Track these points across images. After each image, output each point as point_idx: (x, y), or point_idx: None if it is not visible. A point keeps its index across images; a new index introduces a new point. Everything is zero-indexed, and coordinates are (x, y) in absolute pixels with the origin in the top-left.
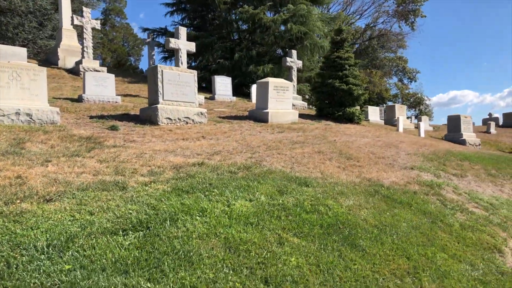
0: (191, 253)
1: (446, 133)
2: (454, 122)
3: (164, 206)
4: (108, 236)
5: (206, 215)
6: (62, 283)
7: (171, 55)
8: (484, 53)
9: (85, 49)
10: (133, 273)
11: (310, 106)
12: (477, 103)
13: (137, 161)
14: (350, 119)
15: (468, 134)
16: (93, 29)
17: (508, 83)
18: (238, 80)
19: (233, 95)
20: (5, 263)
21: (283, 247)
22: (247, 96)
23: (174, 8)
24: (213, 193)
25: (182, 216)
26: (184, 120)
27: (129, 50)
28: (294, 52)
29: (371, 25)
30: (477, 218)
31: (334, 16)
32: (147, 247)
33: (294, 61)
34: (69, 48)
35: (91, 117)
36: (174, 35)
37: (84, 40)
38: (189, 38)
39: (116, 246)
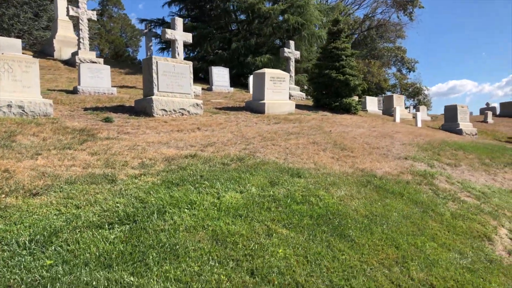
0: (177, 246)
1: (443, 123)
2: (451, 112)
3: (152, 199)
4: (93, 230)
5: (194, 208)
6: (42, 278)
7: (168, 46)
8: (483, 43)
9: (81, 40)
10: (116, 267)
11: (308, 97)
12: (475, 93)
13: (129, 154)
14: (347, 109)
15: (464, 123)
16: (89, 20)
17: (506, 73)
18: (236, 71)
19: (231, 86)
20: None
21: (271, 239)
22: (245, 86)
23: None
24: (204, 185)
25: (170, 209)
26: (179, 112)
27: (127, 41)
28: (291, 42)
29: (370, 15)
30: (469, 207)
31: (332, 6)
32: (132, 240)
33: (291, 52)
34: (64, 39)
35: (86, 109)
36: (171, 26)
37: (80, 31)
38: (187, 29)
39: (101, 240)
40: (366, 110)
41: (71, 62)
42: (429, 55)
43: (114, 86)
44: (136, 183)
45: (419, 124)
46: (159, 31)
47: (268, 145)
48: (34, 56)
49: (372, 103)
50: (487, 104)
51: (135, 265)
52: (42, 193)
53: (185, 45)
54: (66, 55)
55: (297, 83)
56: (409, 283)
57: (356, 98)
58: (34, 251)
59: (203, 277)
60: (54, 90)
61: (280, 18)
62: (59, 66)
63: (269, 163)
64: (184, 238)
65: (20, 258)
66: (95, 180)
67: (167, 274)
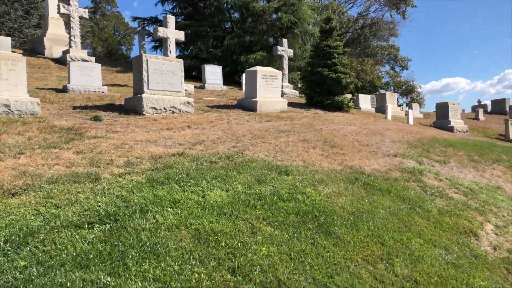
0: (158, 246)
1: (435, 120)
2: (442, 109)
3: (135, 197)
4: (72, 230)
5: (178, 206)
6: (15, 280)
7: (161, 44)
8: (475, 42)
9: (72, 38)
10: (93, 267)
11: (302, 95)
12: (468, 90)
13: (115, 152)
14: (339, 107)
15: (456, 120)
16: (81, 17)
17: (498, 71)
18: (229, 69)
19: (224, 83)
20: None
21: (255, 237)
22: (238, 85)
23: None
24: (189, 184)
25: (153, 208)
26: (170, 110)
27: (120, 39)
28: (285, 41)
29: (363, 13)
30: (456, 203)
31: (325, 4)
32: (112, 240)
33: (285, 50)
34: (55, 37)
35: (75, 108)
36: (163, 23)
37: (71, 29)
38: (180, 27)
39: (79, 240)
40: (359, 108)
41: (62, 61)
42: (423, 53)
43: (105, 85)
44: (120, 182)
45: (411, 122)
46: (152, 29)
47: (258, 143)
48: (24, 55)
49: (365, 101)
50: (479, 101)
51: (113, 265)
52: (21, 193)
53: (179, 43)
54: (57, 53)
55: (290, 81)
56: (393, 280)
57: (348, 96)
58: (8, 252)
59: (182, 276)
60: (43, 88)
61: (274, 16)
62: (50, 65)
63: (258, 161)
64: (166, 237)
65: None
66: (78, 179)
67: (146, 274)
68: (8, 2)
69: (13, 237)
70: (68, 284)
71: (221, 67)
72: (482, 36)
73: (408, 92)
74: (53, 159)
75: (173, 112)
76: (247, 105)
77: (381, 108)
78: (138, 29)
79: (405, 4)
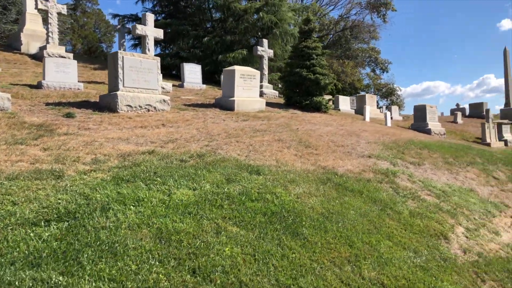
0: (116, 244)
1: (412, 123)
2: (420, 112)
3: (98, 195)
4: (27, 227)
5: (141, 205)
6: None
7: (141, 42)
8: (455, 46)
9: (50, 34)
10: (45, 266)
11: (281, 95)
12: (448, 94)
13: (84, 149)
14: (317, 108)
15: (433, 123)
16: (59, 14)
17: (477, 76)
18: (210, 68)
19: (205, 83)
20: None
21: (219, 237)
22: (218, 84)
23: None
24: (155, 182)
25: (115, 206)
26: (145, 108)
27: (100, 36)
28: (265, 41)
29: (344, 16)
30: (428, 206)
31: (306, 6)
32: (68, 238)
33: (265, 50)
34: (33, 33)
35: (48, 104)
36: (142, 21)
37: (49, 25)
38: (160, 26)
39: (33, 238)
40: (339, 109)
41: (38, 56)
42: (404, 56)
43: (82, 82)
44: (84, 179)
45: (389, 124)
46: (132, 27)
47: (232, 142)
48: (0, 50)
49: (345, 103)
50: (457, 105)
51: (66, 264)
52: None
53: (159, 42)
54: (34, 49)
55: (270, 81)
56: (359, 282)
57: (327, 97)
58: None
59: (140, 276)
60: (17, 84)
61: (255, 16)
62: (26, 60)
63: (230, 160)
64: (126, 236)
65: None
66: (40, 176)
67: (101, 273)
68: None
69: None
70: (17, 283)
71: (200, 66)
72: (462, 40)
73: (388, 95)
74: (18, 156)
75: (148, 110)
76: (225, 104)
77: (360, 109)
78: (118, 26)
79: (385, 8)
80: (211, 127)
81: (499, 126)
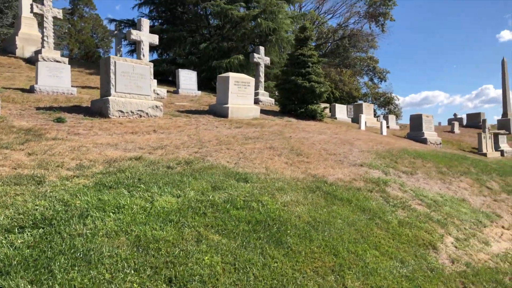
0: (91, 252)
1: (408, 132)
2: (416, 121)
3: (77, 201)
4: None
5: (121, 212)
6: None
7: None
8: (454, 56)
9: (45, 38)
10: (14, 274)
11: (277, 103)
12: (447, 104)
13: (70, 155)
14: (312, 116)
15: (429, 133)
16: (55, 18)
17: (475, 86)
18: (206, 74)
19: (200, 89)
20: None
21: (200, 245)
22: (214, 90)
23: (142, 0)
24: (139, 189)
25: (94, 213)
26: (137, 113)
27: (98, 41)
28: (261, 48)
29: (343, 24)
30: (418, 215)
31: (303, 13)
32: (41, 245)
33: (261, 58)
34: (28, 37)
35: (38, 109)
36: (137, 26)
37: (44, 29)
38: (157, 31)
39: (5, 245)
40: (335, 118)
41: (33, 61)
42: (403, 66)
43: (77, 86)
44: (65, 185)
45: (384, 132)
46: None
47: (222, 149)
48: None
49: (341, 111)
50: (455, 115)
51: (37, 272)
52: None
53: (156, 48)
54: (29, 53)
55: (266, 89)
56: None
57: (322, 105)
58: None
59: (113, 286)
60: (9, 88)
61: (253, 23)
62: (20, 64)
63: (218, 167)
64: (102, 243)
65: None
66: (20, 181)
67: (72, 282)
68: None
69: None
70: None
71: (196, 72)
72: (461, 51)
73: (386, 104)
74: (0, 160)
75: (140, 116)
76: (219, 111)
77: (357, 118)
78: (115, 32)
79: (384, 18)
80: (202, 134)
81: (496, 136)
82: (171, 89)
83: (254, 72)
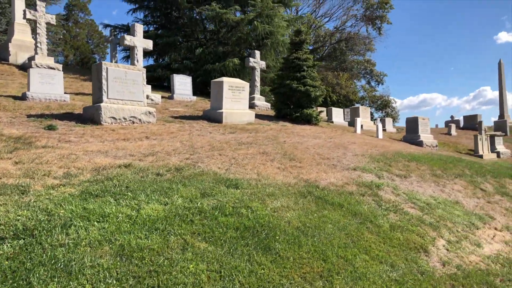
0: (73, 263)
1: (405, 135)
2: (412, 124)
3: (61, 211)
4: None
5: (106, 221)
6: None
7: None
8: (452, 58)
9: (38, 44)
10: None
11: (273, 107)
12: (445, 106)
13: (58, 163)
14: (308, 120)
15: (425, 135)
16: (48, 23)
17: (473, 88)
18: (201, 79)
19: (196, 94)
20: None
21: (185, 253)
22: (210, 95)
23: (137, 5)
24: (125, 197)
25: (78, 222)
26: (130, 120)
27: (93, 47)
28: (257, 52)
29: (340, 28)
30: (410, 218)
31: (300, 16)
32: (21, 257)
33: (257, 62)
34: (22, 43)
35: (30, 116)
36: (130, 32)
37: (37, 35)
38: (152, 37)
39: None
40: (332, 122)
41: (26, 67)
42: (400, 69)
43: (70, 93)
44: (50, 194)
45: (380, 136)
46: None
47: (214, 155)
48: None
49: (338, 115)
50: (452, 117)
51: (15, 284)
52: None
53: (151, 53)
54: (23, 59)
55: (262, 93)
56: None
57: (318, 109)
58: None
59: None
60: (1, 95)
61: (249, 27)
62: (14, 71)
63: (208, 173)
64: (84, 253)
65: None
66: (4, 191)
67: None
68: None
69: None
70: None
71: (191, 77)
72: (459, 53)
73: (383, 107)
74: None
75: (133, 122)
76: (213, 117)
77: (353, 122)
78: (110, 37)
79: (380, 21)
80: (195, 140)
81: (492, 138)
82: (166, 94)
83: (250, 76)
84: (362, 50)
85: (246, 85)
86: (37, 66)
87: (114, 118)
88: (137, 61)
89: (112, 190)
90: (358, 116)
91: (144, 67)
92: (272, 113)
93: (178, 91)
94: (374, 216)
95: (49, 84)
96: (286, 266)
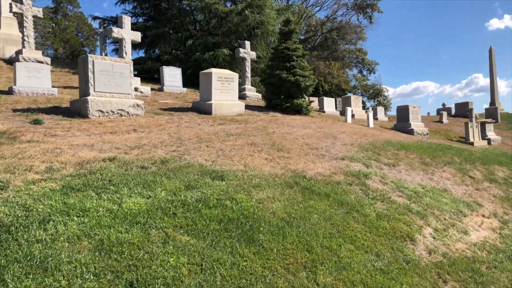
0: (49, 259)
1: (395, 123)
2: (402, 112)
3: (40, 206)
4: None
5: (86, 215)
6: None
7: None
8: (444, 46)
9: (25, 38)
10: None
11: (263, 98)
12: (437, 94)
13: (41, 157)
14: (298, 110)
15: (416, 123)
16: (35, 17)
17: (465, 75)
18: (192, 71)
19: (187, 86)
20: None
21: (166, 247)
22: None
23: None
24: (108, 191)
25: (57, 217)
26: (118, 113)
27: (83, 40)
28: (247, 43)
29: (331, 17)
30: (397, 207)
31: (289, 5)
32: None
33: (247, 52)
34: (9, 37)
35: (16, 110)
36: (118, 24)
37: (24, 29)
38: (141, 28)
39: None
40: (324, 111)
41: (14, 61)
42: (393, 57)
43: (58, 87)
44: (30, 189)
45: (371, 125)
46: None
47: (201, 147)
48: None
49: (330, 104)
50: (443, 104)
51: None
52: None
53: (141, 45)
54: (10, 53)
55: (253, 84)
56: None
57: (309, 99)
58: None
59: None
60: None
61: (239, 17)
62: (1, 66)
63: (194, 165)
64: (62, 249)
65: None
66: None
67: None
68: None
69: None
70: None
71: (180, 69)
72: (451, 40)
73: (375, 96)
74: None
75: (121, 115)
76: (202, 108)
77: (345, 111)
78: (100, 30)
79: (371, 9)
80: (183, 132)
81: (483, 125)
82: (156, 86)
83: (241, 67)
84: (353, 39)
85: (235, 76)
86: (25, 60)
87: (101, 111)
88: (126, 53)
89: (94, 184)
90: (350, 106)
91: (134, 59)
92: (263, 103)
93: (168, 83)
94: (361, 206)
95: (36, 78)
96: (270, 257)
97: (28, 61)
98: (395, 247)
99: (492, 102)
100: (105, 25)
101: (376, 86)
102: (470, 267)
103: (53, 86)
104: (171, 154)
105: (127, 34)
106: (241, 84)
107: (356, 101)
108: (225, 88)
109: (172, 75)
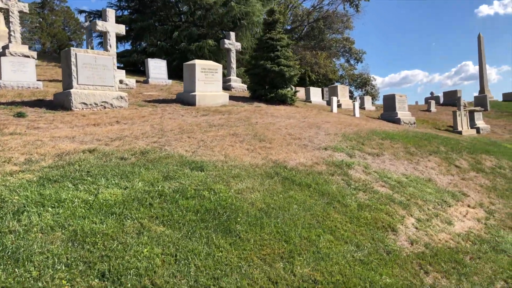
0: (21, 250)
1: (382, 113)
2: (389, 102)
3: (16, 197)
4: None
5: (61, 206)
6: None
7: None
8: (433, 34)
9: (12, 33)
10: None
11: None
12: (426, 82)
13: (22, 149)
14: (282, 100)
15: (402, 113)
16: (21, 12)
17: (455, 63)
18: (177, 63)
19: (172, 78)
20: None
21: (141, 237)
22: None
23: None
24: (85, 182)
25: (32, 208)
26: (101, 105)
27: (70, 34)
28: (232, 34)
29: (317, 6)
30: (380, 197)
31: None
32: None
33: (232, 43)
34: None
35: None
36: (102, 17)
37: (10, 24)
38: (127, 21)
39: None
40: (310, 101)
41: (0, 56)
42: (381, 46)
43: (44, 80)
44: (7, 180)
45: (357, 114)
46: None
47: (183, 138)
48: None
49: (316, 94)
50: (432, 93)
51: None
52: None
53: (126, 38)
54: None
55: (239, 75)
56: (289, 280)
57: (295, 88)
58: None
59: (40, 283)
60: None
61: (224, 8)
62: None
63: (174, 156)
64: (34, 240)
65: None
66: None
67: None
68: None
69: None
70: None
71: (165, 61)
72: (440, 28)
73: (363, 85)
74: None
75: (104, 107)
76: (186, 99)
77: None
78: (86, 23)
79: None
80: (166, 123)
81: (471, 114)
82: (142, 79)
83: (226, 58)
84: (340, 28)
85: (219, 67)
86: (11, 55)
87: (85, 103)
88: (110, 46)
89: (72, 175)
90: (337, 95)
91: (120, 52)
92: (247, 94)
93: (153, 75)
94: (342, 196)
95: (22, 72)
96: (246, 248)
97: (14, 56)
98: (376, 238)
99: (482, 90)
100: (91, 18)
101: (364, 76)
102: (453, 258)
103: (38, 80)
104: (151, 145)
105: (111, 27)
106: (227, 75)
107: (343, 90)
108: (209, 79)
109: (157, 67)
